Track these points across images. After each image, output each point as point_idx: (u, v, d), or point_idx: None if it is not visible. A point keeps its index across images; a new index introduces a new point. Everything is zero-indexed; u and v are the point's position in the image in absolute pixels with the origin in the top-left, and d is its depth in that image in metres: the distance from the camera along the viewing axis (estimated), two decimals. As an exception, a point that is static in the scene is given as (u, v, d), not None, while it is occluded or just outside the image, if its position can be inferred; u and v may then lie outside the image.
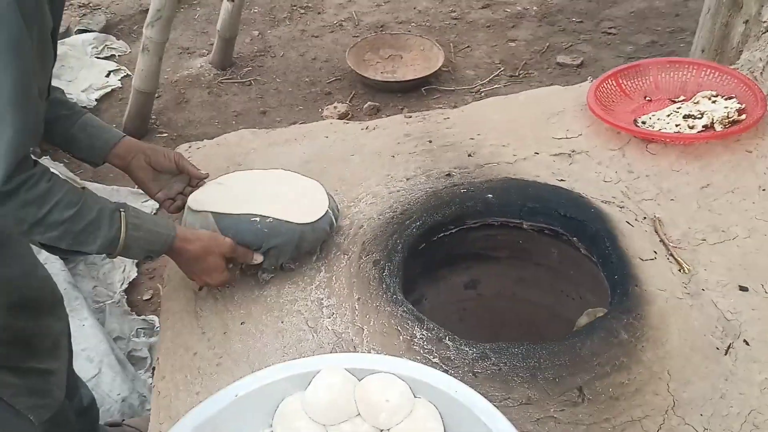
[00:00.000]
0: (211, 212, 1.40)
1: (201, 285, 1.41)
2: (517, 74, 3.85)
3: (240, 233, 1.37)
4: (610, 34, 4.20)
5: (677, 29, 4.12)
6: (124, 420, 2.01)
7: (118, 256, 1.26)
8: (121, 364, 2.14)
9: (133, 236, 1.22)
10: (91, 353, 2.08)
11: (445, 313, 1.69)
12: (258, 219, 1.38)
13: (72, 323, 1.74)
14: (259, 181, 1.55)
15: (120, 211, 1.22)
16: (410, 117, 1.98)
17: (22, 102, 1.07)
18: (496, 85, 3.78)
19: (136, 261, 2.61)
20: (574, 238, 1.49)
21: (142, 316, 2.42)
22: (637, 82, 1.97)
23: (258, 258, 1.39)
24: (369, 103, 3.62)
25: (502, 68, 3.93)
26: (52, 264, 2.35)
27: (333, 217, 1.48)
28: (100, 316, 2.37)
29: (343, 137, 1.89)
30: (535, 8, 4.49)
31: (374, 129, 1.93)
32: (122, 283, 2.52)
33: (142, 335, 2.34)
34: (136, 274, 2.57)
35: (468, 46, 4.16)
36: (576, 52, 3.99)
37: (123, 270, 2.58)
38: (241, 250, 1.37)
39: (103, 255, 2.66)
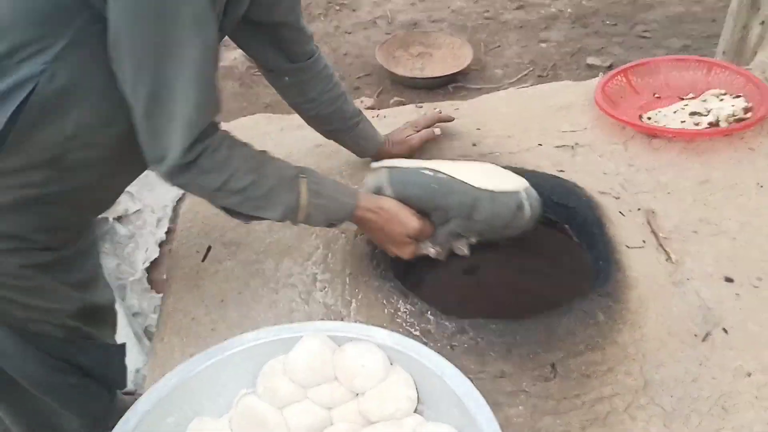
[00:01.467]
0: (386, 167, 1.39)
1: (390, 255, 1.38)
2: (545, 74, 3.87)
3: (408, 185, 1.33)
4: (643, 37, 4.18)
5: (712, 34, 4.07)
6: (136, 390, 2.10)
7: (300, 223, 1.26)
8: (137, 338, 2.24)
9: (314, 203, 1.22)
10: (109, 324, 2.17)
11: (443, 296, 1.73)
12: (430, 172, 1.34)
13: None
14: (462, 166, 1.42)
15: (300, 177, 1.22)
16: (421, 107, 2.03)
17: (205, 77, 1.08)
18: (523, 85, 3.78)
19: (153, 254, 2.70)
20: (566, 226, 1.52)
21: (161, 294, 2.51)
22: (647, 79, 1.98)
23: (434, 251, 1.39)
24: (396, 98, 3.68)
25: (531, 68, 3.95)
26: (79, 240, 2.47)
27: (527, 203, 1.35)
28: (121, 292, 2.48)
29: (354, 124, 1.95)
30: (569, 10, 4.49)
31: (386, 117, 1.99)
32: (144, 263, 2.62)
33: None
34: (157, 254, 2.67)
35: (499, 46, 4.18)
36: (607, 55, 3.99)
37: (146, 250, 2.69)
38: (426, 230, 1.34)
39: (131, 234, 2.76)
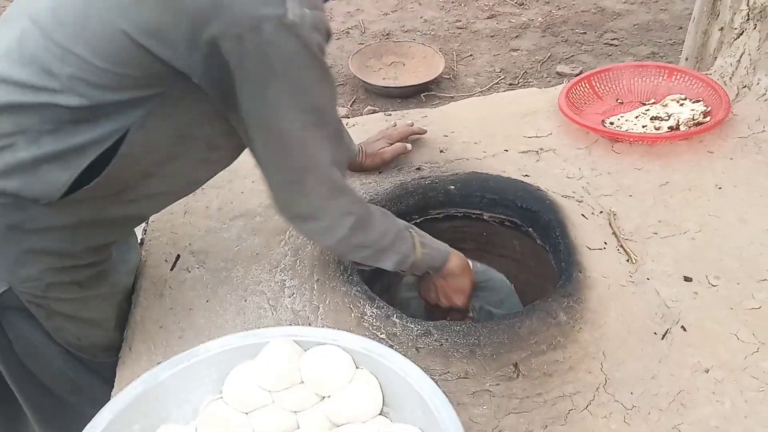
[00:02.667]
0: None
1: (447, 304, 1.48)
2: (516, 83, 3.92)
3: None
4: (612, 45, 4.26)
5: (678, 41, 4.16)
6: None
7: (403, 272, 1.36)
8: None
9: (423, 253, 1.32)
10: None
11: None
12: None
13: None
14: None
15: (409, 230, 1.32)
16: (390, 114, 2.06)
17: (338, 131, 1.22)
18: (494, 93, 3.84)
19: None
20: (530, 229, 1.55)
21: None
22: (609, 86, 2.03)
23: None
24: (369, 107, 3.71)
25: (502, 76, 4.00)
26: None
27: None
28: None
29: (323, 133, 1.97)
30: (540, 19, 4.56)
31: (354, 125, 2.01)
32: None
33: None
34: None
35: (470, 55, 4.23)
36: (576, 62, 4.05)
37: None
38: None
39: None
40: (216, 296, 1.45)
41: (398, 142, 1.76)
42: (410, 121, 1.90)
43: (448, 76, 3.99)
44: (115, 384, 1.33)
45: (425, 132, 1.84)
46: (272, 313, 1.40)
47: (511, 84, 3.90)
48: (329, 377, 1.12)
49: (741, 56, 1.97)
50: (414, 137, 1.84)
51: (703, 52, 2.29)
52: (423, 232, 1.36)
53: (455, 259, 1.40)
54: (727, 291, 1.38)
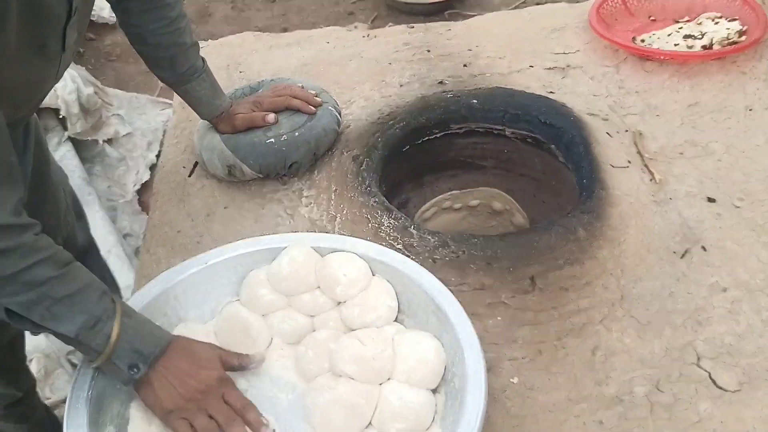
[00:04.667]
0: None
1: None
2: (544, 2, 3.78)
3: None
4: (645, -35, 4.08)
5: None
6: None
7: (98, 359, 0.95)
8: (128, 257, 2.26)
9: (125, 323, 0.95)
10: (100, 242, 2.18)
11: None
12: (273, 140, 1.43)
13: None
14: None
15: (111, 295, 0.97)
16: (413, 27, 2.00)
17: None
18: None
19: (144, 176, 2.69)
20: (552, 146, 1.52)
21: (152, 215, 2.53)
22: (643, 2, 1.95)
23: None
24: (390, 24, 3.60)
25: (530, -5, 3.86)
26: (69, 161, 2.47)
27: (338, 114, 1.53)
28: (112, 214, 2.49)
29: (344, 43, 1.93)
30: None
31: (375, 37, 1.96)
32: (135, 185, 2.63)
33: (151, 233, 2.45)
34: (148, 177, 2.67)
35: (497, -29, 4.08)
36: (607, -18, 3.89)
37: (137, 173, 2.69)
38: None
39: (122, 157, 2.74)
40: (234, 203, 1.45)
41: (267, 111, 1.47)
42: (301, 85, 1.56)
43: (473, -6, 3.86)
44: (134, 284, 1.35)
45: (314, 112, 1.49)
46: (289, 222, 1.40)
47: (537, 3, 3.77)
48: (345, 283, 1.13)
49: (783, -26, 1.88)
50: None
51: (742, -30, 2.18)
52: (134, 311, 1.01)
53: (184, 343, 1.02)
54: (750, 212, 1.36)
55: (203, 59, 1.39)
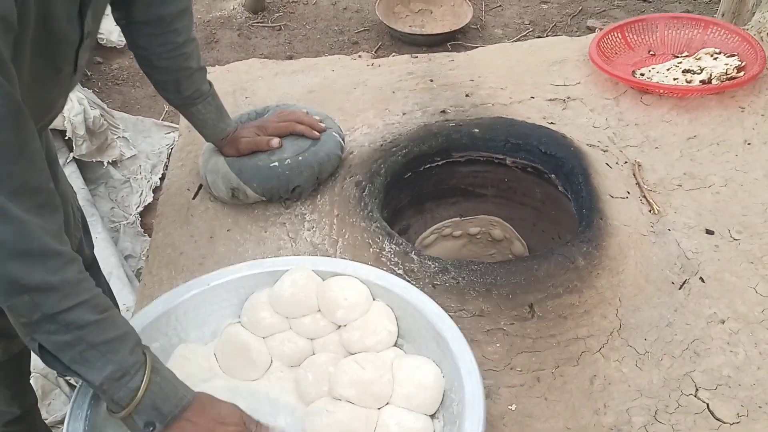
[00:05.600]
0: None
1: None
2: (545, 35, 3.84)
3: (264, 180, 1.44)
4: (645, 1, 4.15)
5: (714, 0, 4.05)
6: None
7: (121, 412, 0.93)
8: (129, 278, 2.27)
9: (152, 380, 0.94)
10: (101, 264, 2.19)
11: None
12: (277, 163, 1.45)
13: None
14: None
15: (143, 347, 0.96)
16: (416, 57, 2.03)
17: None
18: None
19: (148, 199, 2.70)
20: (552, 175, 1.54)
21: (154, 237, 2.54)
22: (642, 37, 1.98)
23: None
24: (394, 54, 3.65)
25: (531, 29, 3.92)
26: (73, 182, 2.48)
27: (341, 140, 1.55)
28: (114, 235, 2.51)
29: (348, 71, 1.95)
30: (573, -29, 4.44)
31: (379, 66, 1.99)
32: (138, 206, 2.64)
33: (152, 255, 2.46)
34: (151, 199, 2.69)
35: (500, 5, 4.15)
36: (607, 18, 3.96)
37: (140, 195, 2.70)
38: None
39: (126, 179, 2.75)
40: (237, 226, 1.47)
41: (272, 136, 1.48)
42: (306, 111, 1.56)
43: (475, 26, 3.92)
44: (135, 305, 1.35)
45: (318, 137, 1.50)
46: (291, 245, 1.41)
47: (539, 37, 3.83)
48: (346, 307, 1.14)
49: (780, 12, 1.92)
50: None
51: (740, 8, 2.23)
52: (162, 365, 0.99)
53: (205, 400, 0.99)
54: (748, 245, 1.37)
55: (210, 83, 1.40)
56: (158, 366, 0.96)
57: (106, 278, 2.12)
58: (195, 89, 1.37)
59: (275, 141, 1.46)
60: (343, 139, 1.57)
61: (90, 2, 0.97)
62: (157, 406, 0.93)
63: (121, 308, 2.18)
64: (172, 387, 0.96)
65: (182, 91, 1.36)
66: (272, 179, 1.45)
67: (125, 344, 0.92)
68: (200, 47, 1.37)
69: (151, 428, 0.94)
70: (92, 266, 1.60)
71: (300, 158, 1.46)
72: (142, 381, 0.92)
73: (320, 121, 1.54)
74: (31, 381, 1.86)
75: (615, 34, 1.97)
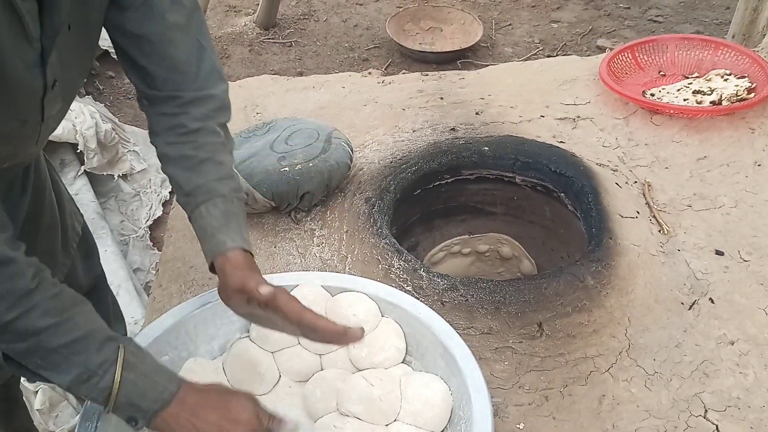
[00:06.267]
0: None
1: None
2: (554, 55, 3.85)
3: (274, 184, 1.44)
4: (656, 21, 4.16)
5: (724, 21, 4.05)
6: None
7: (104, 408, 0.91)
8: (138, 292, 2.28)
9: (125, 378, 0.89)
10: (110, 277, 2.20)
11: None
12: (288, 168, 1.45)
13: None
14: None
15: (118, 343, 0.91)
16: (426, 75, 2.05)
17: None
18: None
19: (157, 212, 2.69)
20: (562, 194, 1.54)
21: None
22: (653, 57, 1.99)
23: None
24: (404, 71, 3.68)
25: (541, 48, 3.94)
26: (84, 195, 2.51)
27: (350, 150, 1.56)
28: (123, 248, 2.51)
29: (359, 89, 1.97)
30: (583, -9, 4.47)
31: (390, 83, 2.00)
32: (147, 220, 2.65)
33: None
34: (161, 213, 2.70)
35: (510, 24, 4.17)
36: (617, 37, 3.97)
37: (150, 208, 2.72)
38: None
39: (136, 192, 2.76)
40: (246, 241, 1.47)
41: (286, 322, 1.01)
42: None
43: (485, 45, 3.94)
44: (144, 318, 1.36)
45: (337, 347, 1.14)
46: (300, 260, 1.42)
47: (549, 56, 3.84)
48: (354, 323, 1.13)
49: (791, 34, 1.93)
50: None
51: (751, 29, 2.24)
52: (150, 357, 0.95)
53: (188, 392, 0.93)
54: (759, 266, 1.37)
55: (235, 181, 1.10)
56: (134, 361, 0.91)
57: (115, 291, 2.13)
58: (197, 185, 1.06)
59: (266, 289, 0.99)
60: (352, 150, 1.58)
61: (52, 49, 0.89)
62: (133, 403, 0.90)
63: (129, 321, 2.18)
64: (149, 382, 0.91)
65: (184, 190, 1.07)
66: (282, 184, 1.45)
67: (90, 344, 0.89)
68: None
69: (134, 423, 0.92)
70: (95, 289, 1.54)
71: (310, 164, 1.47)
72: (113, 381, 0.89)
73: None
74: (38, 393, 1.87)
75: (625, 54, 1.97)
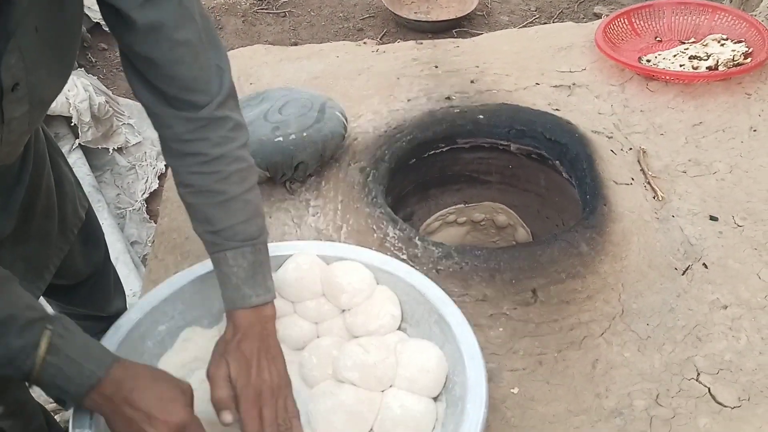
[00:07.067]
0: None
1: None
2: (551, 22, 3.82)
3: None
4: (653, -12, 4.12)
5: (723, -14, 4.02)
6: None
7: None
8: (135, 264, 2.28)
9: (47, 362, 0.87)
10: (107, 249, 2.21)
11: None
12: (282, 138, 1.45)
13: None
14: None
15: (44, 325, 0.88)
16: (421, 44, 2.03)
17: None
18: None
19: (153, 185, 2.69)
20: (557, 162, 1.54)
21: (160, 223, 2.55)
22: (649, 23, 1.97)
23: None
24: (399, 41, 3.64)
25: (537, 15, 3.90)
26: (79, 168, 2.50)
27: (344, 119, 1.55)
28: (120, 221, 2.52)
29: (353, 58, 1.95)
30: (580, -43, 4.41)
31: (384, 52, 1.99)
32: (144, 193, 2.65)
33: (158, 241, 2.47)
34: (157, 186, 2.70)
35: (506, -8, 4.13)
36: (615, 4, 3.93)
37: (146, 181, 2.71)
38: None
39: (132, 165, 2.75)
40: (241, 211, 1.47)
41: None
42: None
43: (481, 13, 3.90)
44: (141, 290, 1.36)
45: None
46: (296, 230, 1.42)
47: (545, 23, 3.81)
48: (350, 291, 1.15)
49: (789, -2, 1.91)
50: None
51: (749, -6, 2.21)
52: (80, 335, 0.91)
53: (120, 371, 0.91)
54: (752, 232, 1.37)
55: (262, 218, 1.08)
56: (59, 343, 0.88)
57: (114, 263, 2.13)
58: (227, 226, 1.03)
59: (228, 417, 0.96)
60: (346, 119, 1.57)
61: (5, 51, 0.84)
62: (59, 386, 0.88)
63: (127, 293, 2.19)
64: (75, 366, 0.88)
65: (202, 227, 1.05)
66: (276, 154, 1.45)
67: (10, 328, 0.86)
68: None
69: (63, 404, 0.91)
70: (97, 274, 1.52)
71: (304, 134, 1.46)
72: (33, 363, 0.86)
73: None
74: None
75: (621, 20, 1.96)
